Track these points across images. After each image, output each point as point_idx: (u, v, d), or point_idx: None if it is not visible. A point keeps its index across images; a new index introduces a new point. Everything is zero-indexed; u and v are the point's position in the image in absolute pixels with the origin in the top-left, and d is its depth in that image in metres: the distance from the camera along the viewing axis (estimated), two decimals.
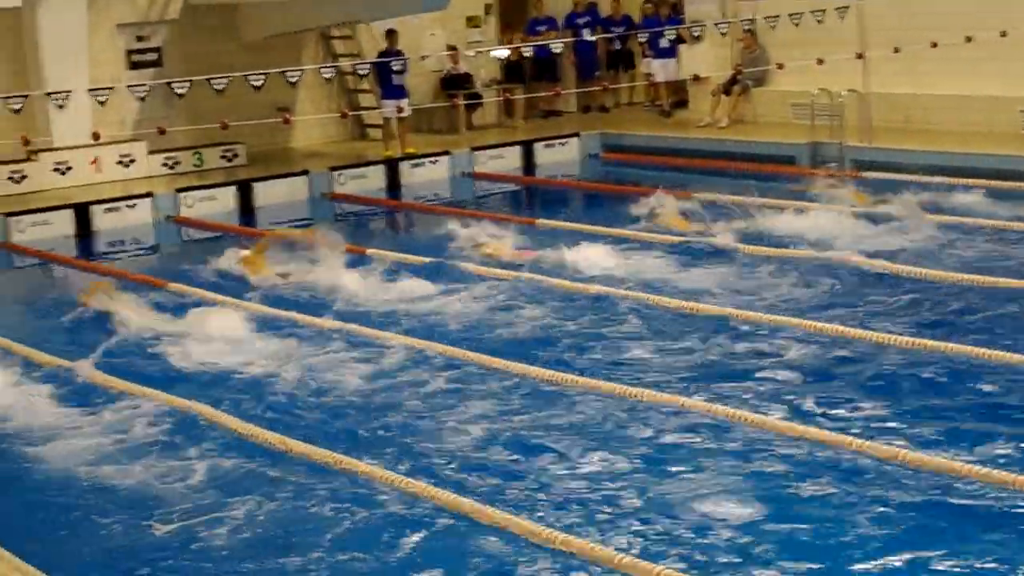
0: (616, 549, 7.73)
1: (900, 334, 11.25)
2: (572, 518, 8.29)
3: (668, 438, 9.50)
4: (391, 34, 22.11)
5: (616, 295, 12.97)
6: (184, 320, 12.82)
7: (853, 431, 9.27)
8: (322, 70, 19.84)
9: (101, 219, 18.87)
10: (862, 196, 16.76)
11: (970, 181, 16.90)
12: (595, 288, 13.25)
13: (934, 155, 18.82)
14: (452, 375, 11.03)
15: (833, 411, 9.79)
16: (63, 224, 18.60)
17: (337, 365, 11.46)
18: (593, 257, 14.42)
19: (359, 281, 14.02)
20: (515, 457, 9.31)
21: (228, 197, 20.05)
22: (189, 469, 9.41)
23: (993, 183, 16.99)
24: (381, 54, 21.88)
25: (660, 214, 16.13)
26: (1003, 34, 19.36)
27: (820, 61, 20.19)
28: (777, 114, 22.33)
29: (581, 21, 25.31)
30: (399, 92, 21.88)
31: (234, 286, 14.53)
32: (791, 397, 10.10)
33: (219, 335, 12.30)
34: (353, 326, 12.45)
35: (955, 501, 8.25)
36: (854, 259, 13.64)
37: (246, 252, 15.26)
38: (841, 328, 11.48)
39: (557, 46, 21.20)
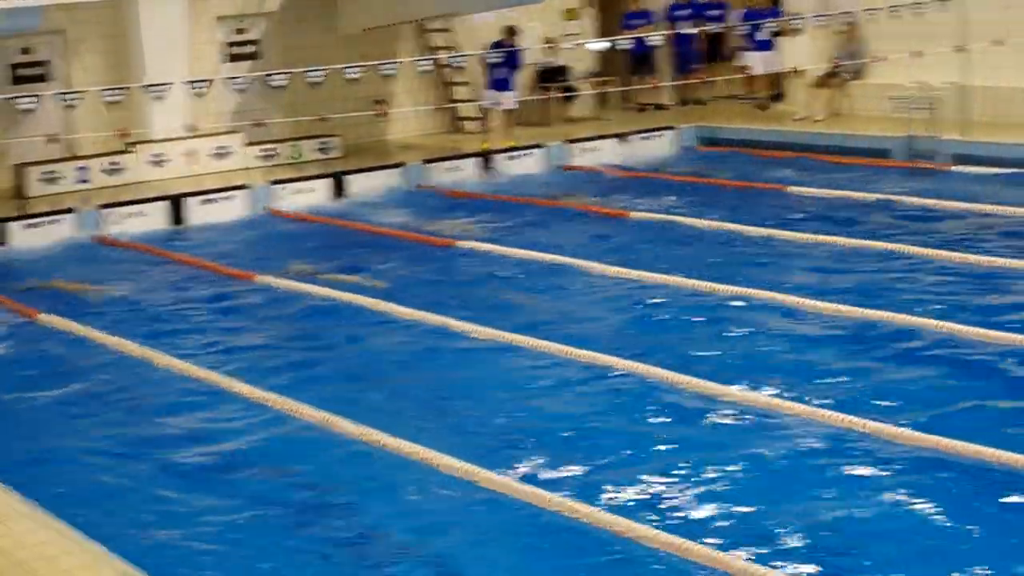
0: None
1: None
2: None
3: None
4: (508, 31, 22.25)
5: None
6: None
7: None
8: (419, 63, 19.90)
9: (196, 211, 19.16)
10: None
11: None
12: None
13: None
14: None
15: None
16: (158, 216, 18.89)
17: None
18: None
19: None
20: None
21: (324, 189, 20.23)
22: None
23: None
24: (492, 45, 21.98)
25: None
26: None
27: (919, 54, 19.85)
28: (875, 107, 21.97)
29: (681, 13, 25.16)
30: (500, 85, 21.99)
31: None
32: None
33: None
34: None
35: None
36: None
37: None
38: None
39: (655, 39, 21.06)
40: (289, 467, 9.69)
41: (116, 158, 20.50)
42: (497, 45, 21.91)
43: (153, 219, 18.78)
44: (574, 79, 24.62)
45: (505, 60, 21.19)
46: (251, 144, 21.37)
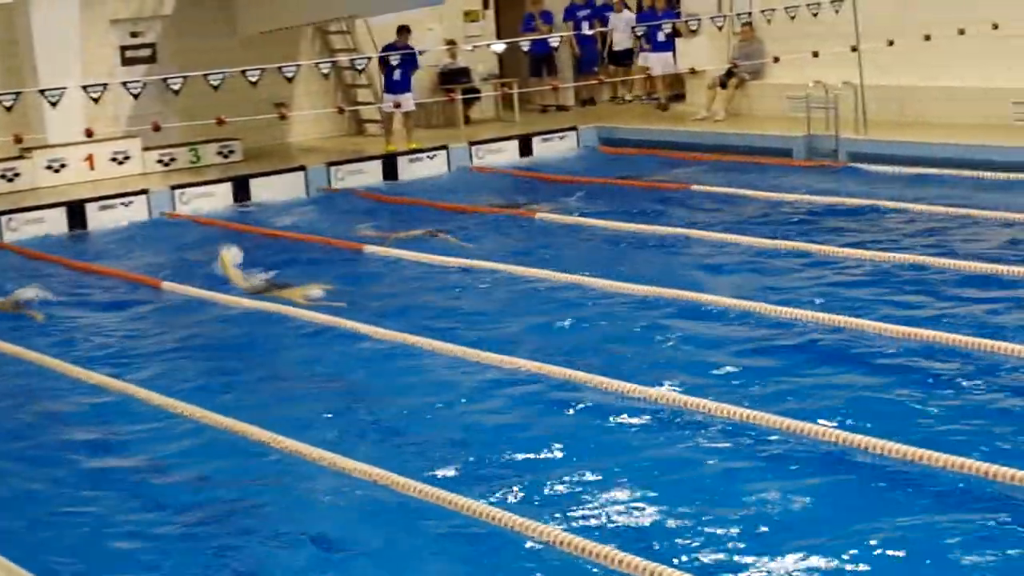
0: None
1: None
2: None
3: None
4: (400, 30, 22.13)
5: None
6: None
7: None
8: (319, 65, 19.72)
9: (95, 217, 18.86)
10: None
11: None
12: None
13: (928, 146, 18.89)
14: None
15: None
16: (57, 222, 18.58)
17: None
18: None
19: None
20: None
21: (225, 193, 20.01)
22: None
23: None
24: (385, 48, 21.86)
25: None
26: (995, 26, 19.30)
27: (815, 54, 20.08)
28: (773, 107, 22.28)
29: (581, 14, 25.28)
30: (397, 87, 21.91)
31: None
32: None
33: None
34: None
35: None
36: None
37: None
38: None
39: (555, 41, 21.13)
40: (199, 475, 9.55)
41: (12, 164, 20.18)
42: (390, 47, 21.79)
43: (52, 225, 18.51)
44: (476, 81, 24.62)
45: (400, 61, 21.10)
46: (149, 148, 21.11)
